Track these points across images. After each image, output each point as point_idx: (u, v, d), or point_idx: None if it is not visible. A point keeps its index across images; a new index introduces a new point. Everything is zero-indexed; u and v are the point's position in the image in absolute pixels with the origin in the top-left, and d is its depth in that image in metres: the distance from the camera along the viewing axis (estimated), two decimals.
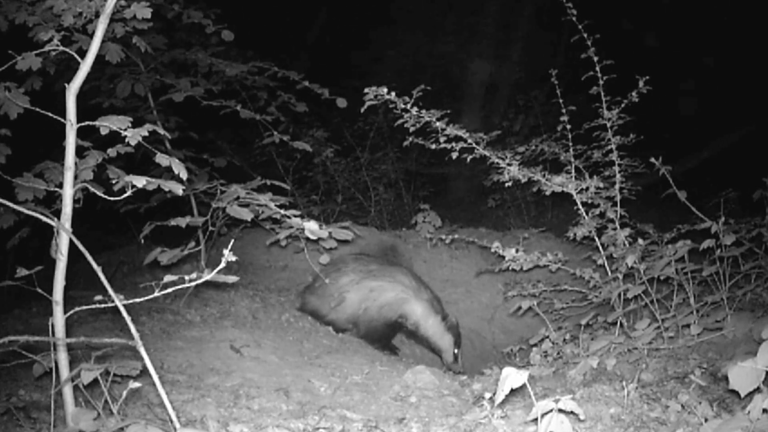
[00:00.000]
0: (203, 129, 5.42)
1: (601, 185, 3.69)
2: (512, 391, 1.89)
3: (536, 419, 1.87)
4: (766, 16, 8.01)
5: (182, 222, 3.42)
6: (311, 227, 3.13)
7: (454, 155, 3.71)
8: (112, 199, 2.29)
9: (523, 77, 8.99)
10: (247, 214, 3.28)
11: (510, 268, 3.76)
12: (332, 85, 4.53)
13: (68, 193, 2.18)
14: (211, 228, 4.07)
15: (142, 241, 3.84)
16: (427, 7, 9.93)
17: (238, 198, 3.47)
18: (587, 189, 3.67)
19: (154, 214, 4.03)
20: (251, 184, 3.73)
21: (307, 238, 3.41)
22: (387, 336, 4.54)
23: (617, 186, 3.66)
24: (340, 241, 3.72)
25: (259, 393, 2.94)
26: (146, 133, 2.24)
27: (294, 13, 10.40)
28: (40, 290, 2.21)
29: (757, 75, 8.36)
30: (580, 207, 3.70)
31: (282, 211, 3.29)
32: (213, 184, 3.80)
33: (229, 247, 2.00)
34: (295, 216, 3.28)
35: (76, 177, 2.25)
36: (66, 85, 2.20)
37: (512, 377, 1.88)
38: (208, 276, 2.07)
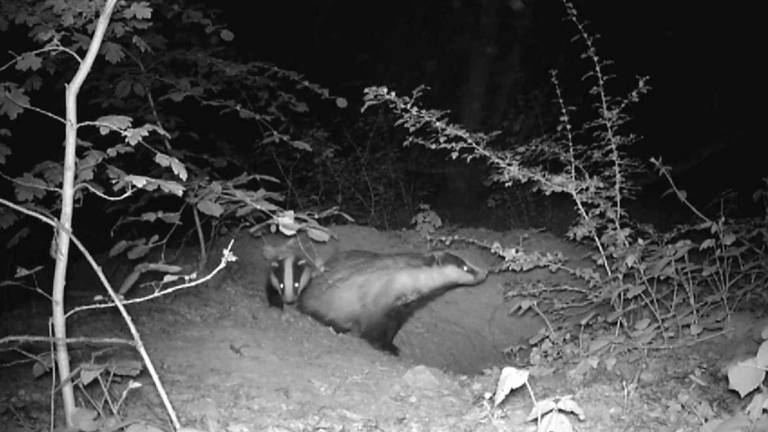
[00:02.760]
0: (203, 129, 5.42)
1: (601, 185, 3.69)
2: (512, 391, 1.88)
3: (536, 419, 1.87)
4: (766, 16, 8.01)
5: (152, 217, 3.42)
6: (286, 222, 3.11)
7: (454, 155, 3.71)
8: (112, 199, 2.29)
9: (523, 77, 8.99)
10: (217, 209, 3.28)
11: (510, 268, 3.76)
12: (332, 85, 4.53)
13: (68, 193, 2.18)
14: (178, 223, 4.05)
15: (112, 234, 3.85)
16: (427, 7, 9.94)
17: (214, 194, 3.46)
18: (587, 189, 3.67)
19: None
20: (240, 180, 3.73)
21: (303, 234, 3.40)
22: (390, 327, 4.50)
23: (617, 186, 3.66)
24: (339, 236, 3.72)
25: (259, 393, 2.94)
26: (146, 133, 2.23)
27: (294, 13, 10.40)
28: (40, 290, 2.21)
29: (757, 75, 8.36)
30: (580, 207, 3.70)
31: (258, 206, 3.27)
32: (193, 182, 3.78)
33: (229, 247, 2.01)
34: (271, 211, 3.26)
35: (76, 177, 2.25)
36: (66, 85, 2.20)
37: (512, 377, 1.88)
38: (208, 276, 2.07)
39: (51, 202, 2.68)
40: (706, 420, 2.29)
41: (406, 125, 3.72)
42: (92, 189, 2.41)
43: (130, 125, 2.23)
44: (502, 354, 4.25)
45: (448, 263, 4.44)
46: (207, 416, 2.54)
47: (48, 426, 2.27)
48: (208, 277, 2.07)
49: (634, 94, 3.61)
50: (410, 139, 3.80)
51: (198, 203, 3.37)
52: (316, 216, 3.50)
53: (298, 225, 3.17)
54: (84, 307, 2.11)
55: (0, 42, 2.74)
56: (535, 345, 3.60)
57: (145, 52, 3.47)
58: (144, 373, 2.10)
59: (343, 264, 4.60)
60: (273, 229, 3.68)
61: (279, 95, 4.74)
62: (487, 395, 2.59)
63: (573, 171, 3.79)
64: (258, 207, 3.24)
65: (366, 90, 3.66)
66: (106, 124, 2.21)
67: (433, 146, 3.75)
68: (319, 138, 6.77)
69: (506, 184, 3.79)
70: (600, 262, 3.65)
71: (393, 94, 3.64)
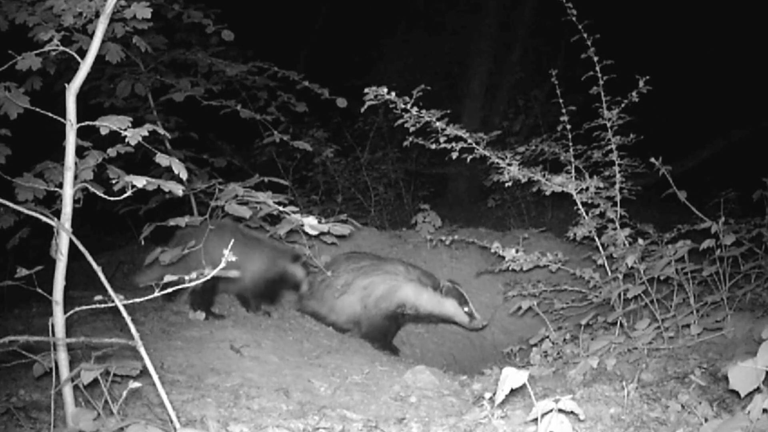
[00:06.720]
0: (203, 129, 5.42)
1: (601, 185, 3.69)
2: (512, 391, 1.88)
3: (536, 419, 1.87)
4: (765, 16, 8.02)
5: (181, 222, 3.43)
6: (311, 222, 3.13)
7: (454, 155, 3.71)
8: (112, 199, 2.29)
9: (523, 77, 8.99)
10: (245, 212, 3.28)
11: (510, 268, 3.76)
12: (332, 85, 4.53)
13: (68, 193, 2.18)
14: (211, 227, 4.07)
15: (143, 242, 3.85)
16: (427, 7, 9.94)
17: (236, 196, 3.47)
18: (587, 189, 3.67)
19: (154, 215, 4.03)
20: (249, 182, 3.74)
21: (307, 235, 3.40)
22: (390, 329, 4.53)
23: (617, 186, 3.66)
24: (338, 236, 3.73)
25: (259, 393, 2.94)
26: (146, 133, 2.24)
27: (294, 13, 10.41)
28: (40, 290, 2.21)
29: (757, 75, 8.36)
30: (580, 207, 3.70)
31: (281, 208, 3.29)
32: (211, 183, 3.80)
33: (229, 247, 2.01)
34: (294, 212, 3.28)
35: (76, 177, 2.25)
36: (66, 85, 2.20)
37: (512, 377, 1.88)
38: (208, 276, 2.07)
39: (51, 202, 2.68)
40: (706, 420, 2.29)
41: (406, 125, 3.71)
42: (92, 189, 2.41)
43: (130, 125, 2.23)
44: (502, 354, 4.25)
45: (450, 296, 4.45)
46: (207, 416, 2.54)
47: (48, 426, 2.27)
48: (208, 276, 2.07)
49: (634, 94, 3.60)
50: (410, 139, 3.80)
51: (225, 206, 3.37)
52: (323, 221, 3.48)
53: (324, 226, 3.19)
54: (84, 307, 2.11)
55: (0, 42, 2.74)
56: (535, 345, 3.60)
57: (146, 52, 3.47)
58: (144, 373, 2.10)
59: (344, 267, 4.58)
60: (282, 232, 3.70)
61: (279, 95, 4.74)
62: (487, 395, 2.59)
63: (573, 171, 3.79)
64: (280, 209, 3.26)
65: (366, 90, 3.66)
66: (106, 124, 2.21)
67: (433, 146, 3.75)
68: (319, 138, 6.76)
69: (506, 184, 3.79)
70: (600, 262, 3.65)
71: (393, 94, 3.64)
